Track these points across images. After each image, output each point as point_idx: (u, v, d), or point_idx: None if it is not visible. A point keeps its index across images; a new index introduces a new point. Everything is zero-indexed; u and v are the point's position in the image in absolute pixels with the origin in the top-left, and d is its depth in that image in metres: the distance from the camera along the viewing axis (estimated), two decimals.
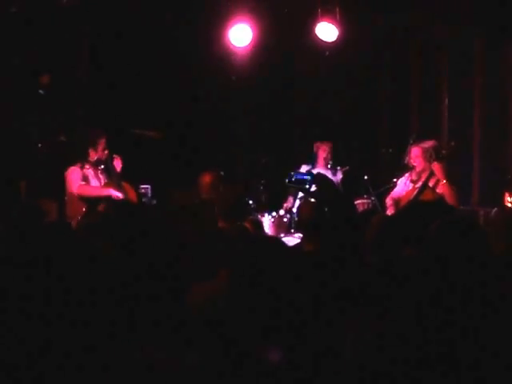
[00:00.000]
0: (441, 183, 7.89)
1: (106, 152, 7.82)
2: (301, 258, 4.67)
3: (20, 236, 4.72)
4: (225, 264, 3.59)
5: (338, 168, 9.53)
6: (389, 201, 8.39)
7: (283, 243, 3.29)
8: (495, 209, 5.33)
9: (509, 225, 4.78)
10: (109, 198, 7.37)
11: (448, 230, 3.35)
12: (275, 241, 3.17)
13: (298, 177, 8.58)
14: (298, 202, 9.17)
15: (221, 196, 6.52)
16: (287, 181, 9.11)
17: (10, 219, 5.30)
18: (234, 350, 2.76)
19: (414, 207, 5.78)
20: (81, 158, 7.78)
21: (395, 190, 8.45)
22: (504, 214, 5.17)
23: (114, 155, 7.92)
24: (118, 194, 7.60)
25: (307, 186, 8.87)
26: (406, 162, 8.34)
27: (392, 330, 3.09)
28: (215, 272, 3.75)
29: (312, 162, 9.63)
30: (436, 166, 7.96)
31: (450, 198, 7.64)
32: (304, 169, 9.44)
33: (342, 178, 9.51)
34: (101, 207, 7.38)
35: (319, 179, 8.83)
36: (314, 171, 9.31)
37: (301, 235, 6.68)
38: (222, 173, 8.47)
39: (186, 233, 4.86)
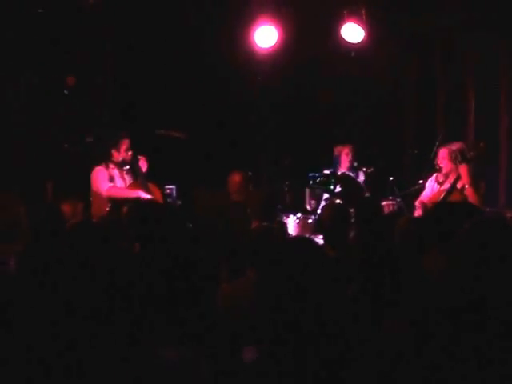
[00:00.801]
0: (466, 186, 7.85)
1: (130, 153, 7.83)
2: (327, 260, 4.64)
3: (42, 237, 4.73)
4: (252, 264, 3.58)
5: (363, 169, 9.48)
6: (418, 203, 8.35)
7: (313, 242, 3.27)
8: None
9: None
10: (137, 200, 7.39)
11: (480, 230, 3.31)
12: (304, 241, 3.15)
13: (321, 176, 8.58)
14: (322, 204, 9.14)
15: (253, 196, 6.52)
16: (311, 182, 9.10)
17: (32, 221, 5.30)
18: (262, 349, 2.75)
19: (440, 208, 5.72)
20: (104, 159, 7.81)
21: (424, 192, 8.41)
22: None
23: (139, 156, 7.94)
24: (147, 196, 7.61)
25: (331, 187, 8.86)
26: (435, 163, 8.30)
27: (421, 334, 3.06)
28: (243, 272, 3.75)
29: (334, 165, 9.58)
30: (462, 169, 7.91)
31: (474, 202, 7.59)
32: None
33: (365, 180, 9.47)
34: (125, 207, 7.42)
35: (343, 179, 8.81)
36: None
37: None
38: (250, 173, 8.49)
39: (214, 232, 4.86)
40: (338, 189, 8.79)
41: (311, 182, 9.13)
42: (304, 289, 2.71)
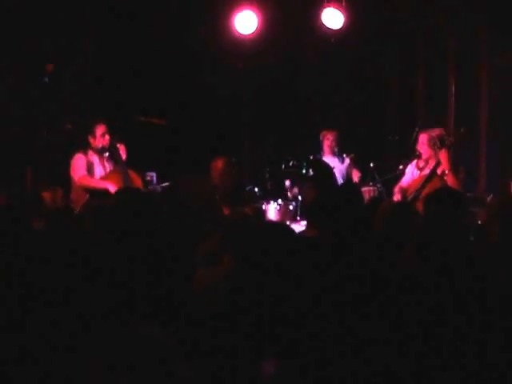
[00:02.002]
0: (446, 172, 7.87)
1: (107, 138, 7.79)
2: (303, 242, 4.64)
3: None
4: (228, 250, 3.58)
5: (345, 155, 9.51)
6: (397, 189, 8.37)
7: (288, 228, 3.27)
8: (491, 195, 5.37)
9: (503, 212, 4.75)
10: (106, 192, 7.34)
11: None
12: (279, 226, 3.15)
13: (294, 160, 8.60)
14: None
15: (221, 182, 6.51)
16: (283, 166, 9.12)
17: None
18: (236, 338, 2.75)
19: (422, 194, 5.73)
20: (82, 146, 7.78)
21: (403, 178, 8.42)
22: (501, 200, 5.14)
23: (118, 143, 7.88)
24: (114, 188, 7.51)
25: (304, 171, 8.89)
26: (414, 149, 8.31)
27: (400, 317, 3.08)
28: (220, 258, 3.75)
29: (318, 150, 9.61)
30: (442, 155, 7.93)
31: (454, 187, 7.61)
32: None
33: (349, 165, 9.49)
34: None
35: (315, 163, 8.82)
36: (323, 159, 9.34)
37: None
38: (233, 159, 8.47)
39: (195, 218, 4.84)
40: (311, 172, 8.83)
41: (283, 166, 9.15)
42: (279, 274, 2.71)
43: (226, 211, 5.68)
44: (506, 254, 3.90)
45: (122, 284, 3.38)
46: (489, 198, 8.44)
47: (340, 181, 9.24)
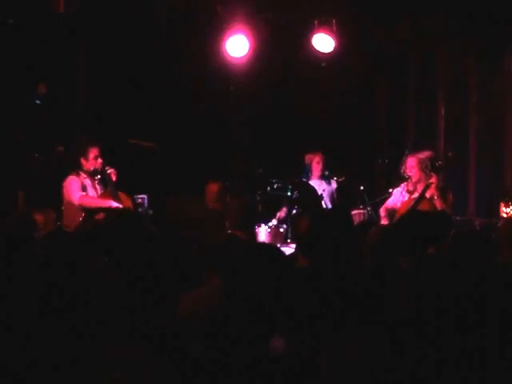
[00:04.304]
0: (435, 196, 7.93)
1: (100, 161, 7.81)
2: (295, 270, 4.67)
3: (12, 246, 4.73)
4: (217, 271, 3.61)
5: (334, 178, 9.53)
6: (382, 211, 8.43)
7: (279, 250, 3.30)
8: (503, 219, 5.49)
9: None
10: (109, 209, 7.38)
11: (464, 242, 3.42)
12: (270, 248, 3.18)
13: (279, 183, 8.63)
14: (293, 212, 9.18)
15: (232, 206, 6.51)
16: (268, 188, 9.15)
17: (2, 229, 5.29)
18: (224, 357, 2.78)
19: (412, 218, 5.77)
20: (75, 168, 7.80)
21: (389, 200, 8.48)
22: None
23: (108, 167, 7.89)
24: (119, 206, 7.60)
25: (289, 194, 8.92)
26: (402, 172, 8.36)
27: (394, 342, 3.11)
28: (208, 279, 3.77)
29: (306, 174, 9.63)
30: (432, 179, 8.00)
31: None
32: None
33: (337, 188, 9.52)
34: (98, 216, 7.41)
35: (300, 186, 8.85)
36: (311, 182, 9.35)
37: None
38: (226, 183, 8.51)
39: (187, 242, 4.86)
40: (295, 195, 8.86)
41: (269, 188, 9.18)
42: (267, 296, 2.75)
43: (239, 234, 5.65)
44: None
45: (110, 305, 3.41)
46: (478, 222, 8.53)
47: (329, 204, 9.27)
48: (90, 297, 3.44)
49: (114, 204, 7.56)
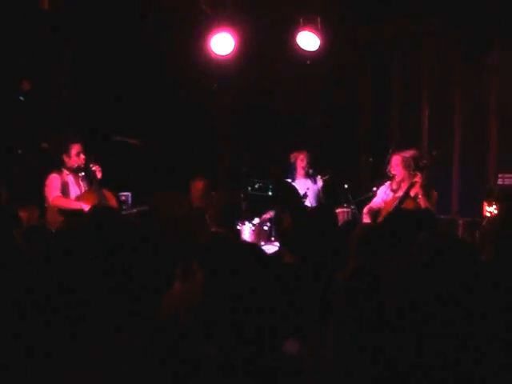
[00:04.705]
0: (419, 195, 7.94)
1: (82, 157, 7.78)
2: (279, 265, 4.68)
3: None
4: (201, 268, 3.61)
5: (319, 177, 9.54)
6: (365, 210, 8.43)
7: (260, 249, 3.32)
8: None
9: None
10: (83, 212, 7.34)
11: (434, 243, 3.42)
12: (252, 247, 3.18)
13: (260, 182, 8.64)
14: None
15: (213, 202, 6.51)
16: (249, 188, 9.16)
17: None
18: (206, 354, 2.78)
19: (396, 217, 5.79)
20: (57, 165, 7.77)
21: (374, 199, 8.49)
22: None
23: (92, 165, 7.86)
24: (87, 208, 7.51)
25: (270, 193, 8.93)
26: (386, 170, 8.37)
27: (374, 340, 3.11)
28: (191, 276, 3.77)
29: (290, 172, 9.63)
30: (416, 178, 8.02)
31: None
32: None
33: (322, 186, 9.53)
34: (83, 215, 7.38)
35: (280, 185, 8.87)
36: (296, 181, 9.35)
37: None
38: (212, 181, 8.52)
39: (173, 239, 4.86)
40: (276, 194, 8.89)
41: (250, 187, 9.19)
42: (247, 293, 2.75)
43: (223, 231, 5.66)
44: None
45: (95, 301, 3.41)
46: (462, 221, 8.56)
47: (314, 202, 9.28)
48: (73, 295, 3.43)
49: (86, 207, 7.48)
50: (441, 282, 3.29)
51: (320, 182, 9.54)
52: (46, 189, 7.72)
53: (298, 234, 5.14)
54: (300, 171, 9.56)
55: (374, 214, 8.21)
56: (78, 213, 7.38)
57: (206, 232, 5.47)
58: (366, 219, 8.24)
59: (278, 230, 6.98)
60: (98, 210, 6.23)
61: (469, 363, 3.00)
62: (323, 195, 9.49)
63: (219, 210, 6.06)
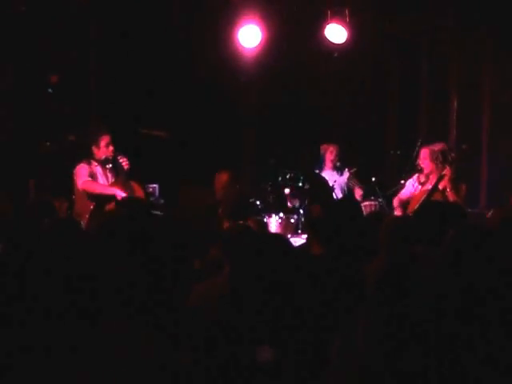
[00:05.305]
0: (447, 188, 7.91)
1: (111, 149, 7.77)
2: (307, 258, 4.66)
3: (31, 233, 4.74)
4: (227, 262, 3.60)
5: (346, 169, 9.53)
6: (396, 202, 8.42)
7: (288, 241, 3.30)
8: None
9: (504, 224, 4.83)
10: (116, 199, 7.35)
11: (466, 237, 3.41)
12: (279, 239, 3.17)
13: (291, 173, 8.63)
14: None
15: (225, 195, 6.54)
16: (280, 178, 9.15)
17: (23, 215, 5.31)
18: (232, 348, 2.77)
19: (427, 209, 5.77)
20: (86, 156, 7.78)
21: (403, 191, 8.46)
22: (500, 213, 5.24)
23: (120, 156, 7.86)
24: (123, 194, 7.52)
25: (300, 184, 8.92)
26: (415, 163, 8.34)
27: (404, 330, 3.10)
28: (218, 271, 3.77)
29: (320, 164, 9.63)
30: (445, 171, 7.98)
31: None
32: None
33: (349, 178, 9.51)
34: (109, 206, 7.40)
35: (311, 177, 8.85)
36: (323, 173, 9.34)
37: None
38: (237, 172, 8.51)
39: (194, 231, 4.86)
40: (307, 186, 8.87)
41: (280, 178, 9.17)
42: (275, 285, 2.74)
43: (227, 225, 5.68)
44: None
45: (120, 291, 3.41)
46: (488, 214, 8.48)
47: (339, 194, 9.26)
48: (102, 283, 3.44)
49: (119, 192, 7.48)
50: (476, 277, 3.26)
51: (346, 174, 9.53)
52: (75, 177, 7.69)
53: (328, 223, 5.13)
54: (328, 163, 9.56)
55: (405, 206, 8.18)
56: (110, 199, 7.38)
57: (217, 225, 5.49)
58: (398, 212, 8.22)
59: (307, 220, 6.97)
60: (133, 201, 6.26)
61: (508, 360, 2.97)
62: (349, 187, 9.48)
63: (231, 204, 6.07)
